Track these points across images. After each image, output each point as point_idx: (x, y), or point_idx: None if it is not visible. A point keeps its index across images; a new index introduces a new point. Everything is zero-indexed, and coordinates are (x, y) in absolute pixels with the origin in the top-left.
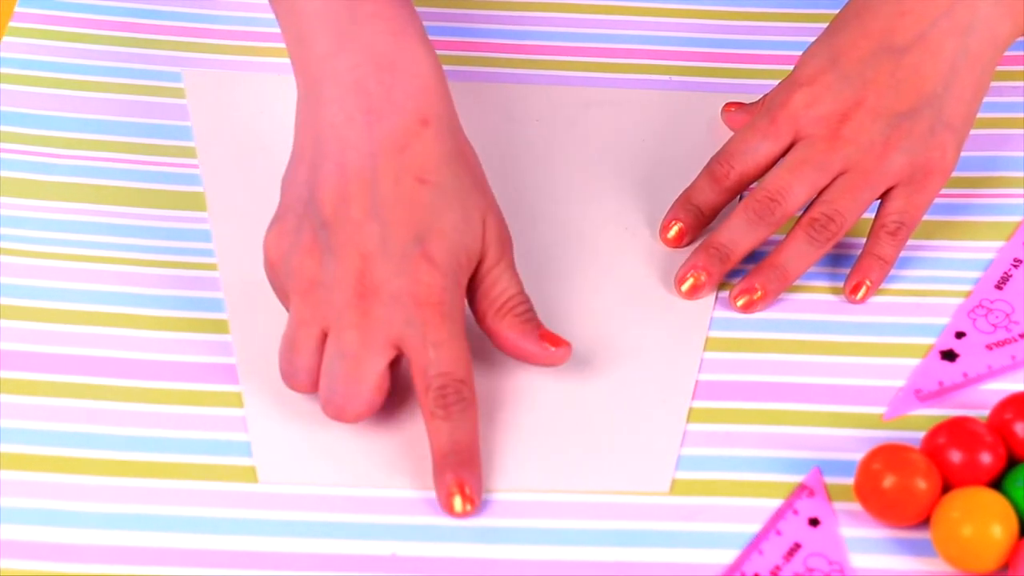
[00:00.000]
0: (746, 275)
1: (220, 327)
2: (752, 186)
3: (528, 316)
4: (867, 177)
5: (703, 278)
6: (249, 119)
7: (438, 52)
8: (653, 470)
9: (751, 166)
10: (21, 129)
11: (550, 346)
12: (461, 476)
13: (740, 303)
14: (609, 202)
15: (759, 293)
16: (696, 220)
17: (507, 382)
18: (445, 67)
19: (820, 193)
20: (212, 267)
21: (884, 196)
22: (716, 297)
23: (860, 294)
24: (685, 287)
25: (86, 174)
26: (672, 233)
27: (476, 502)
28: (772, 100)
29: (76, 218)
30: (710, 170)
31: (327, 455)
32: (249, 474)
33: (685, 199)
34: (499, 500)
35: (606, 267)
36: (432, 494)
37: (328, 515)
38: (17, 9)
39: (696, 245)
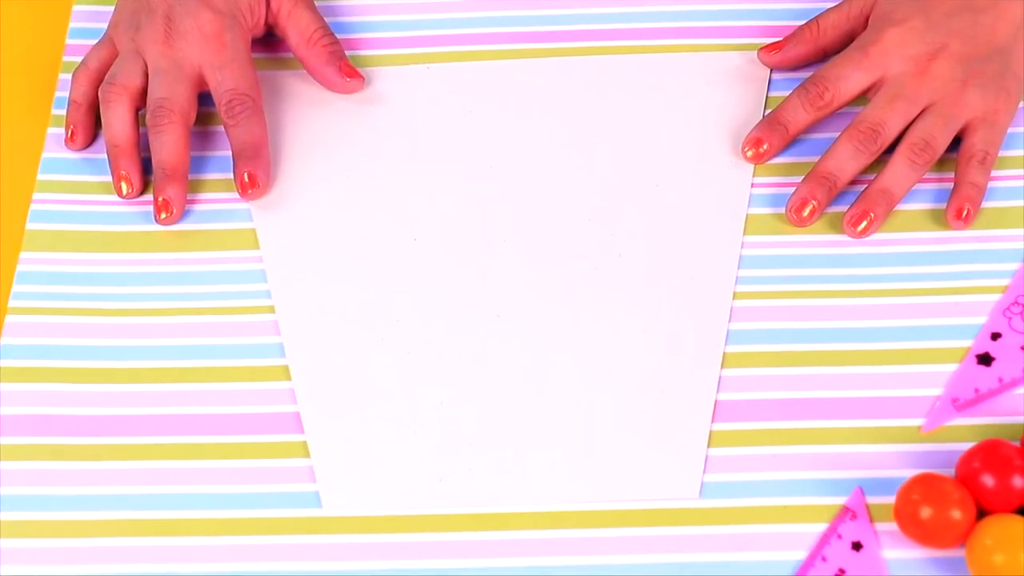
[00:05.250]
0: (856, 202)
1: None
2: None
3: (332, 48)
4: (952, 108)
5: (813, 205)
6: (287, 119)
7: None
8: (681, 478)
9: (843, 92)
10: (59, 176)
11: (346, 77)
12: (248, 168)
13: (860, 227)
14: (625, 210)
15: (872, 215)
16: (781, 139)
17: (525, 396)
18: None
19: (911, 124)
20: (269, 309)
21: (964, 132)
22: (731, 312)
23: (964, 215)
24: (805, 213)
25: (137, 221)
26: (761, 149)
27: (261, 185)
28: (865, 37)
29: (127, 269)
30: (804, 91)
31: (391, 485)
32: (317, 524)
33: (773, 118)
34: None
35: (619, 282)
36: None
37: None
38: (68, 41)
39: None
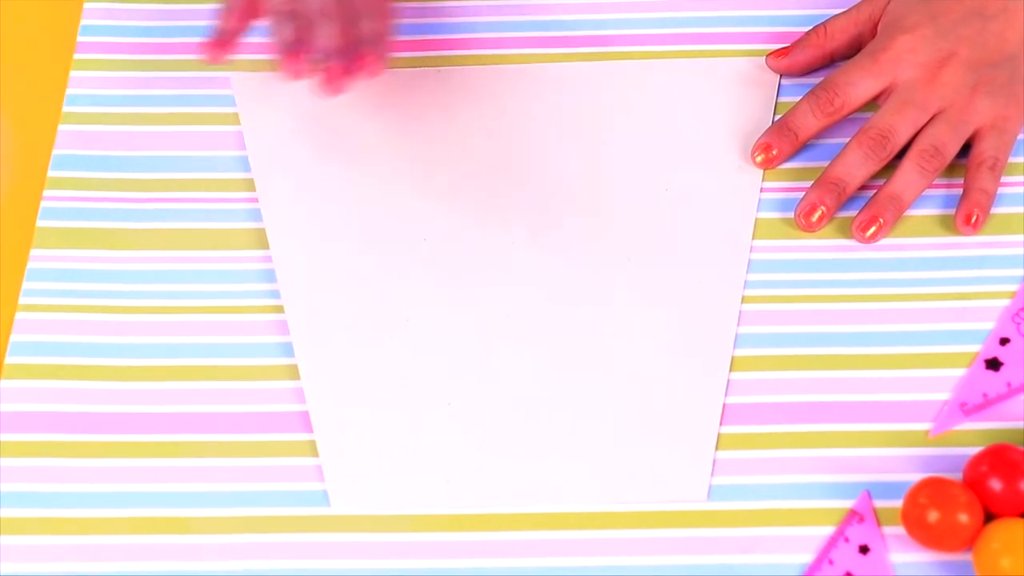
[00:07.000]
0: (865, 207)
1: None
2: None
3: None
4: (961, 114)
5: (822, 211)
6: (299, 119)
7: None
8: (689, 480)
9: (853, 98)
10: (69, 174)
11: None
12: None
13: (869, 233)
14: (634, 213)
15: (881, 221)
16: (790, 145)
17: (533, 397)
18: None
19: (920, 130)
20: (278, 308)
21: (974, 138)
22: (739, 316)
23: (973, 220)
24: (814, 218)
25: (147, 218)
26: (771, 154)
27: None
28: (875, 43)
29: (136, 267)
30: (814, 97)
31: (399, 485)
32: (325, 523)
33: (782, 124)
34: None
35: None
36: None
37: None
38: (80, 39)
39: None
